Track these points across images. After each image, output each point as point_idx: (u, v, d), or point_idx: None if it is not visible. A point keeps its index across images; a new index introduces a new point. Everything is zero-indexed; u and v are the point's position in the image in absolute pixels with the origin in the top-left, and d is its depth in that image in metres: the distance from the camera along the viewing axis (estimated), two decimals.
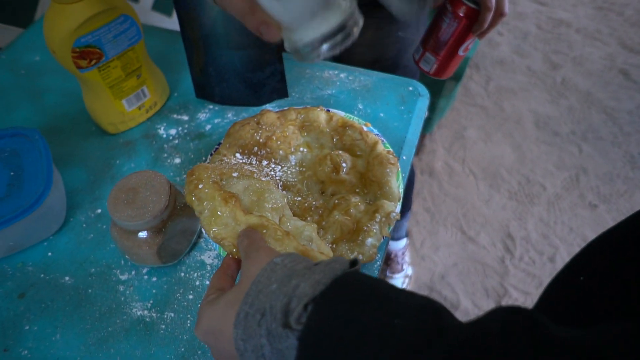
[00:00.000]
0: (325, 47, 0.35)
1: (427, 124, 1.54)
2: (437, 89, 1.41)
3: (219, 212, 0.42)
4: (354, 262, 0.32)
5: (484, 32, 0.64)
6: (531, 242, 1.49)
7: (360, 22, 0.37)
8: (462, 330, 0.25)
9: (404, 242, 1.37)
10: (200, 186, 0.43)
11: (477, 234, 1.51)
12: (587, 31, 2.25)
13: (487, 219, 1.55)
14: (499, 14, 0.60)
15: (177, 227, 0.49)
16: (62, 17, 0.52)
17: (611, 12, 2.35)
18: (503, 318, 0.24)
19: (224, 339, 0.31)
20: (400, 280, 1.35)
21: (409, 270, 1.38)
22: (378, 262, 0.52)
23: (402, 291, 0.29)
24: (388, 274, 1.35)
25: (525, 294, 1.38)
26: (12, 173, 0.52)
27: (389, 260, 1.36)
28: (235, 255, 0.41)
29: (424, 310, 0.26)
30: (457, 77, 1.42)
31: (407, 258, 1.39)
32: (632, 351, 0.22)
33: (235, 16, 0.34)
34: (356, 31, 0.36)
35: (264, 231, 0.41)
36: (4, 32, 0.81)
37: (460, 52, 0.67)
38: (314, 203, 0.54)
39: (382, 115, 0.65)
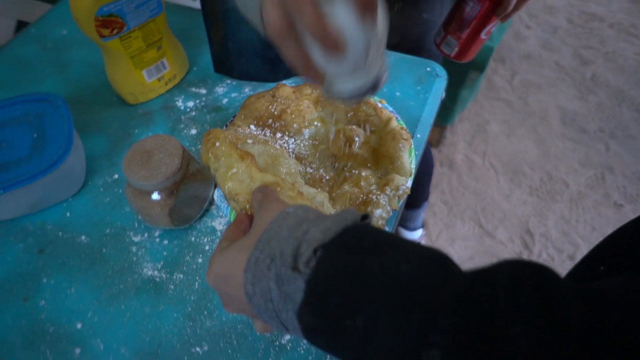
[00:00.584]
0: (356, 95, 0.39)
1: (448, 115, 1.52)
2: (460, 78, 1.38)
3: (234, 169, 0.43)
4: (365, 216, 0.32)
5: (507, 14, 0.63)
6: (551, 239, 1.46)
7: (387, 75, 0.41)
8: (468, 278, 0.24)
9: (419, 232, 1.37)
10: (217, 144, 0.44)
11: (495, 229, 1.49)
12: (621, 26, 2.18)
13: (506, 214, 1.52)
14: None
15: (189, 191, 0.50)
16: None
17: None
18: (511, 272, 0.24)
19: (234, 283, 0.32)
20: None
21: None
22: None
23: (411, 242, 0.29)
24: None
25: None
26: (35, 135, 0.54)
27: None
28: (248, 211, 0.42)
29: (431, 258, 0.26)
30: (481, 67, 1.39)
31: None
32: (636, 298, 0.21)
33: (289, 62, 0.36)
34: (382, 84, 0.40)
35: (278, 189, 0.42)
36: (34, 7, 0.84)
37: (483, 36, 0.66)
38: (325, 176, 0.54)
39: (398, 94, 0.65)
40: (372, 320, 0.24)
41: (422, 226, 1.38)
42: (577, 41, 2.11)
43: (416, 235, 1.36)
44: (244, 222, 0.40)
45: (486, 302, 0.22)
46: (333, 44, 0.31)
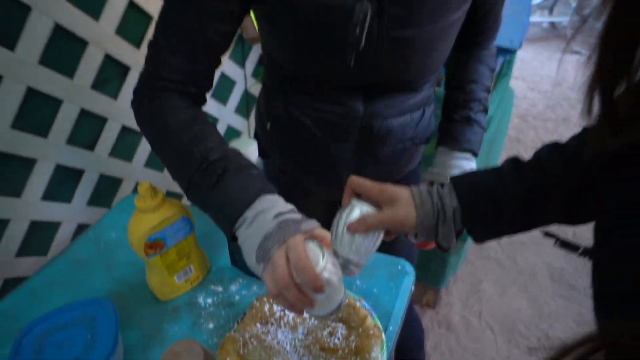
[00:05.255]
0: (329, 315, 0.59)
1: (440, 279, 1.66)
2: None
3: None
4: None
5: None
6: None
7: (346, 299, 0.60)
8: None
9: None
10: (227, 359, 0.59)
11: None
12: None
13: None
14: None
15: None
16: (141, 221, 0.74)
17: None
18: None
19: None
20: None
21: None
22: None
23: None
24: None
25: None
26: (89, 336, 0.69)
27: None
28: None
29: None
30: (465, 236, 1.57)
31: None
32: None
33: (290, 304, 0.55)
34: (344, 304, 0.59)
35: None
36: (92, 211, 1.07)
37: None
38: None
39: (375, 290, 0.81)
40: None
41: None
42: None
43: None
44: None
45: None
46: (321, 290, 0.52)
